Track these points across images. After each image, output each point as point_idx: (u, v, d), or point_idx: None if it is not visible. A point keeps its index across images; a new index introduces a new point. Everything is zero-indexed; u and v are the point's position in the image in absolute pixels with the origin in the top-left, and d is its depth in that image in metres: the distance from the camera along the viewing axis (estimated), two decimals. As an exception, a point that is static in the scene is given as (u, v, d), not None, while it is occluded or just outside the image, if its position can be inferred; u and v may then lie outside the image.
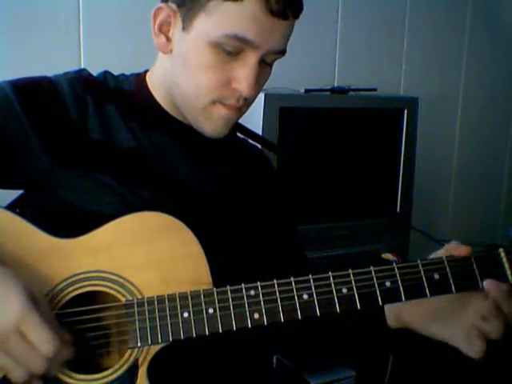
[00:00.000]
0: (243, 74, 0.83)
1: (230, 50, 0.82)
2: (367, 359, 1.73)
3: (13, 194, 0.93)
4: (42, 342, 0.68)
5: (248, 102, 0.88)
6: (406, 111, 2.01)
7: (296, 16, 0.85)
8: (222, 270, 0.79)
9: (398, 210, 2.07)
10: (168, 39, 0.87)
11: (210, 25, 0.81)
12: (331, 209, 1.92)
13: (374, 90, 1.99)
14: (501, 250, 0.82)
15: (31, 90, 0.86)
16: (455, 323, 0.82)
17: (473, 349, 0.79)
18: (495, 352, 0.83)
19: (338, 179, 1.91)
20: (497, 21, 2.61)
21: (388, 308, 0.89)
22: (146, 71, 0.96)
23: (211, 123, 0.88)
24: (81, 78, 0.90)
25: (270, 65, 0.88)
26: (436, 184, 2.57)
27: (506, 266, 0.81)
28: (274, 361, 1.65)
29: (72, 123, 0.85)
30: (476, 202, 2.69)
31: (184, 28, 0.84)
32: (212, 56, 0.82)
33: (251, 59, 0.83)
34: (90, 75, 0.93)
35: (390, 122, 2.04)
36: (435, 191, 2.58)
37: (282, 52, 0.86)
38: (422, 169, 2.19)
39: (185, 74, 0.86)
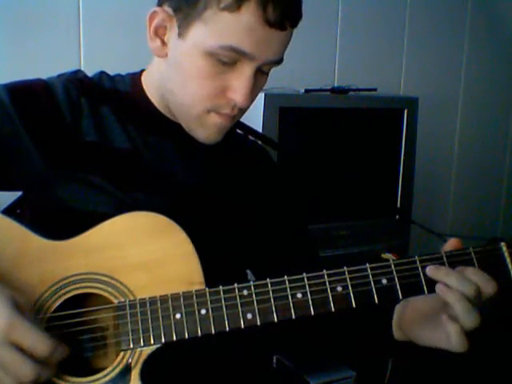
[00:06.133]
0: (239, 84, 0.81)
1: (226, 60, 0.80)
2: (367, 359, 1.73)
3: (13, 196, 0.93)
4: (36, 344, 0.68)
5: (243, 110, 0.87)
6: (405, 111, 2.01)
7: (294, 26, 0.82)
8: (222, 271, 0.79)
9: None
10: (163, 43, 0.85)
11: (205, 34, 0.79)
12: (331, 209, 1.91)
13: (374, 89, 1.99)
14: (503, 244, 0.79)
15: (25, 94, 0.85)
16: (436, 322, 0.78)
17: (451, 340, 0.74)
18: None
19: (338, 179, 1.91)
20: (497, 21, 2.61)
21: (393, 321, 0.88)
22: (142, 71, 0.95)
23: (204, 131, 0.87)
24: (76, 79, 0.90)
25: (267, 73, 0.87)
26: (436, 184, 2.57)
27: (508, 260, 0.78)
28: (274, 361, 1.65)
29: (66, 126, 0.85)
30: (476, 203, 2.69)
31: (180, 35, 0.82)
32: (207, 66, 0.81)
33: (247, 70, 0.81)
34: (86, 76, 0.92)
35: (390, 121, 2.03)
36: (435, 192, 2.57)
37: (278, 62, 0.84)
38: (422, 169, 2.19)
39: (179, 82, 0.85)
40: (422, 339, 0.82)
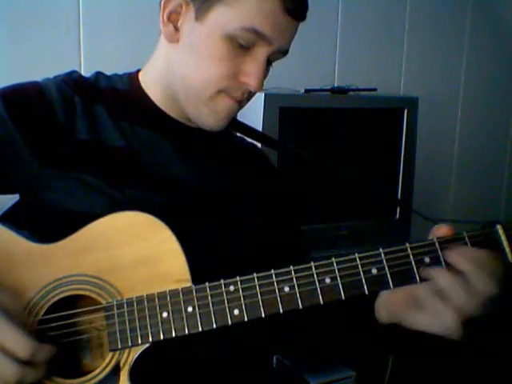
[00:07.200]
0: (253, 68, 0.85)
1: (243, 43, 0.83)
2: (367, 359, 1.73)
3: (13, 198, 0.93)
4: (17, 346, 0.67)
5: (250, 96, 0.90)
6: (405, 111, 2.01)
7: (304, 18, 0.87)
8: (217, 269, 0.79)
9: (398, 210, 2.07)
10: (176, 29, 0.87)
11: (227, 17, 0.82)
12: (331, 209, 1.91)
13: (374, 90, 1.99)
14: (499, 226, 0.74)
15: (18, 98, 0.86)
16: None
17: (445, 322, 0.72)
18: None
19: (338, 179, 1.91)
20: (497, 21, 2.61)
21: (377, 302, 0.86)
22: (138, 70, 0.96)
23: (215, 115, 0.88)
24: (70, 80, 0.90)
25: (271, 64, 0.89)
26: (436, 184, 2.57)
27: (505, 244, 0.73)
28: (274, 361, 1.65)
29: (59, 126, 0.85)
30: (476, 203, 2.69)
31: (197, 18, 0.84)
32: (225, 48, 0.84)
33: (261, 55, 0.85)
34: (81, 76, 0.93)
35: (390, 121, 2.04)
36: (435, 191, 2.57)
37: (285, 52, 0.88)
38: (421, 169, 2.19)
39: (194, 65, 0.86)
40: (412, 322, 0.79)
